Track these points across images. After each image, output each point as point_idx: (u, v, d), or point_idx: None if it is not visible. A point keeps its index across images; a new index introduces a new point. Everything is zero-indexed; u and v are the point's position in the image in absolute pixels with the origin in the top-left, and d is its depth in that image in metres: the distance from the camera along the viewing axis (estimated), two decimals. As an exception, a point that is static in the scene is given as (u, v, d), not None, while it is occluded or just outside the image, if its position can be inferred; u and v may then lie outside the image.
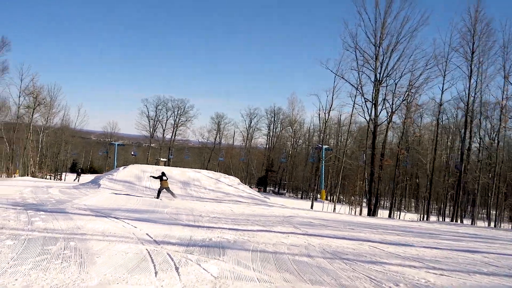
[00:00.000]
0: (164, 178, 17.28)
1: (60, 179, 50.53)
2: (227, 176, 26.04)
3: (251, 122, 73.56)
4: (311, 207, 31.22)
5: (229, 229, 9.36)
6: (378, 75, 26.23)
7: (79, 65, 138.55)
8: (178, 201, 16.58)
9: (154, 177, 18.34)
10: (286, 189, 67.30)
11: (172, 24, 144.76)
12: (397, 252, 7.96)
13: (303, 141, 70.32)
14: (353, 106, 31.68)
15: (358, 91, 27.43)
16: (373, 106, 26.32)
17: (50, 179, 47.90)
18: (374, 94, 26.31)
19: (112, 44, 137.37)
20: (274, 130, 72.51)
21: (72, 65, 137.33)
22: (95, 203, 13.18)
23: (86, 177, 40.19)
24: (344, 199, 42.22)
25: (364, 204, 29.29)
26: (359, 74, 27.23)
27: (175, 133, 72.29)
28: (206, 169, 42.47)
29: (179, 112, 71.88)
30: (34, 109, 40.13)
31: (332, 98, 31.95)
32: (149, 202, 15.15)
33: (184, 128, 71.86)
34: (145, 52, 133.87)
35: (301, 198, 58.72)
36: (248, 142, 74.46)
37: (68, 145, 54.86)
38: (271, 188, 67.60)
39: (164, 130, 73.19)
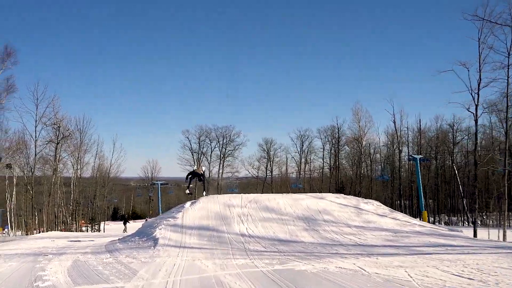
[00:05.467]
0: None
1: (99, 230, 41.32)
2: (365, 200, 15.34)
3: (302, 145, 63.66)
4: (474, 235, 20.34)
5: None
6: None
7: (107, 100, 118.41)
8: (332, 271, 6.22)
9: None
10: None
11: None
12: None
13: (372, 156, 59.09)
14: (507, 79, 21.37)
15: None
16: None
17: (86, 231, 38.76)
18: None
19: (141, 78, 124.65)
20: (335, 148, 62.12)
21: (101, 98, 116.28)
22: None
23: (133, 226, 31.13)
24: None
25: None
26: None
27: (223, 165, 63.54)
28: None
29: (224, 141, 63.41)
30: (58, 143, 31.35)
31: (480, 68, 21.68)
32: None
33: (231, 159, 62.88)
34: (175, 83, 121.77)
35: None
36: (303, 166, 64.36)
37: (105, 188, 45.86)
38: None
39: (209, 163, 64.69)
